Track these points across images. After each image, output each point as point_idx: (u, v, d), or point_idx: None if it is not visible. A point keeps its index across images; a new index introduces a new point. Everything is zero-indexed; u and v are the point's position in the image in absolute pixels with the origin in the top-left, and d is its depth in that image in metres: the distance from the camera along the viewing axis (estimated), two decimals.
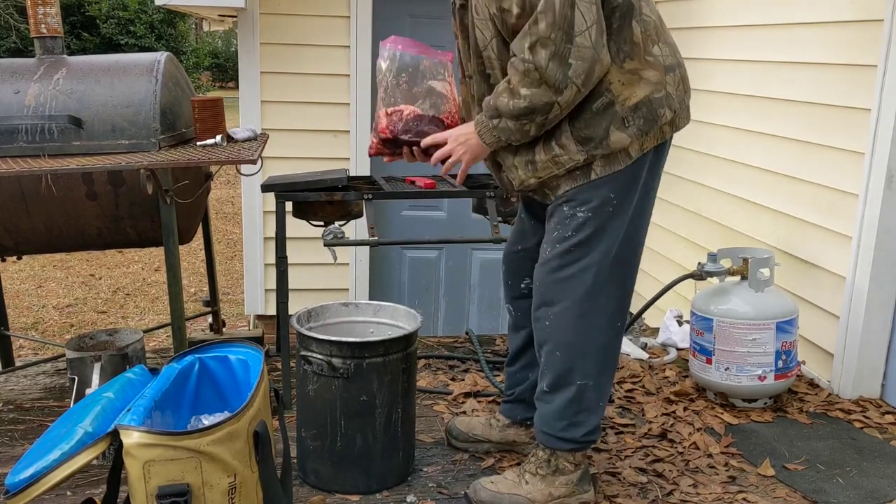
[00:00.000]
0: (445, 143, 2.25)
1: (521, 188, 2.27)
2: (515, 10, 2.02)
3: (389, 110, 2.33)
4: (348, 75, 4.60)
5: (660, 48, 2.14)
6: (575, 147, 2.12)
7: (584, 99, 2.09)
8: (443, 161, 2.27)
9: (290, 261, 3.05)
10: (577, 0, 1.96)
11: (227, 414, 1.85)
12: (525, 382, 2.56)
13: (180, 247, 2.97)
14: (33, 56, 3.13)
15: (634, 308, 4.32)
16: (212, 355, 2.14)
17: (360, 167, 4.63)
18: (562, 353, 2.23)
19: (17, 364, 3.61)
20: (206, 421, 1.90)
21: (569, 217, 2.18)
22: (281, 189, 2.98)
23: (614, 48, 2.08)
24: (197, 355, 2.12)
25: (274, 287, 3.80)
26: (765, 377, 2.96)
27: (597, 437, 2.32)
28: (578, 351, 2.22)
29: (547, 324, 2.24)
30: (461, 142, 2.22)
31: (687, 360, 3.40)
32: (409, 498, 2.42)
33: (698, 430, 2.86)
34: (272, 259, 3.98)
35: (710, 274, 3.14)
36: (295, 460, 2.53)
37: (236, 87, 7.45)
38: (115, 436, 1.74)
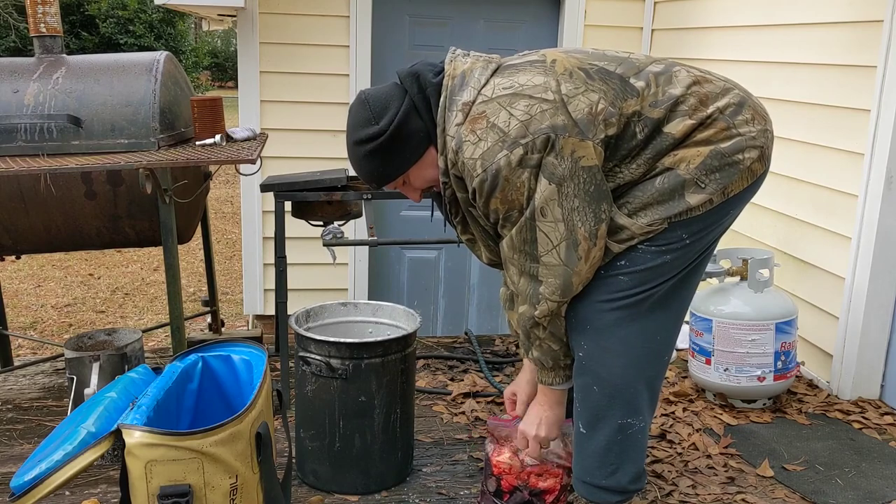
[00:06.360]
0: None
1: None
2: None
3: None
4: (347, 75, 4.59)
5: (710, 109, 1.88)
6: (654, 219, 1.88)
7: (642, 183, 1.88)
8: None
9: (289, 260, 3.04)
10: (537, 223, 1.82)
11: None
12: None
13: (179, 246, 2.96)
14: (32, 55, 3.13)
15: None
16: (215, 354, 2.13)
17: None
18: (599, 387, 1.97)
19: (16, 364, 3.60)
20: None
21: (629, 247, 1.91)
22: (280, 189, 2.98)
23: (655, 158, 1.87)
24: (200, 354, 2.12)
25: (273, 287, 3.79)
26: (764, 378, 2.96)
27: (643, 485, 2.08)
28: (619, 385, 1.96)
29: (581, 355, 1.98)
30: (533, 422, 2.09)
31: (686, 361, 3.40)
32: (408, 498, 2.42)
33: (697, 430, 2.86)
34: (271, 259, 3.98)
35: (710, 274, 3.14)
36: (294, 460, 2.53)
37: (235, 87, 7.45)
38: (117, 435, 1.74)
